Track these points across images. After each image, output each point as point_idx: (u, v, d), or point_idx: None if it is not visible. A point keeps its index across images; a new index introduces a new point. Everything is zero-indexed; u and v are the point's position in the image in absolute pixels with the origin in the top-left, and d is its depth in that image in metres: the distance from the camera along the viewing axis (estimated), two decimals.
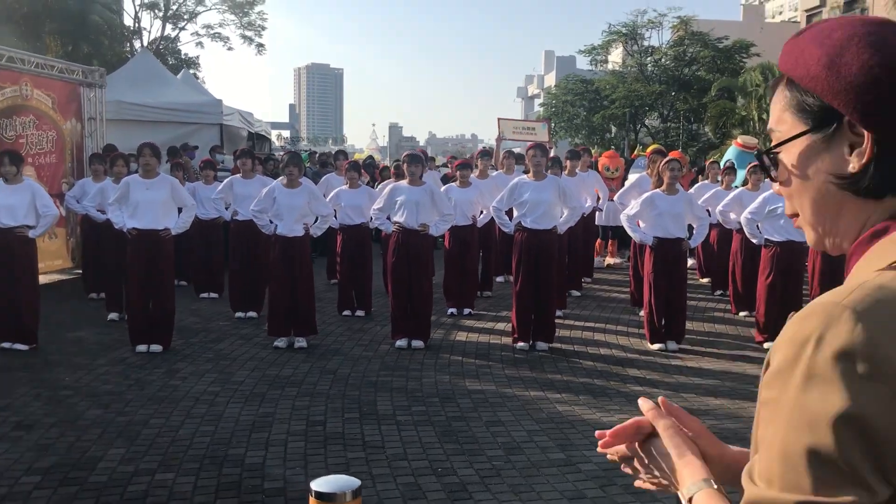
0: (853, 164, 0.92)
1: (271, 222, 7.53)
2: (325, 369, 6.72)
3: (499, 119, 16.24)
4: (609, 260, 13.60)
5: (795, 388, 0.82)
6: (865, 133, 0.91)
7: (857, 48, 0.91)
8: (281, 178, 7.95)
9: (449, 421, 5.42)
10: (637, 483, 1.22)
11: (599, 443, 1.22)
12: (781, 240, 7.59)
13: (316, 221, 7.82)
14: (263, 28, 36.34)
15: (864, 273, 0.90)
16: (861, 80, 0.90)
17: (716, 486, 1.05)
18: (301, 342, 7.44)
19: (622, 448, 1.21)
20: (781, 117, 0.99)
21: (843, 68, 0.91)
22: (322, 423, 5.34)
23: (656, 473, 1.16)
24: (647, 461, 1.17)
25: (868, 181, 0.92)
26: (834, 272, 9.41)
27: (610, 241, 13.93)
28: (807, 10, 68.70)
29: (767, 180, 10.08)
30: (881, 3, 39.12)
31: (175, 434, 5.10)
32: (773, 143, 1.00)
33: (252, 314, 8.86)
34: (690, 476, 1.08)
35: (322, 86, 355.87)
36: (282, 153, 19.22)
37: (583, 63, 51.91)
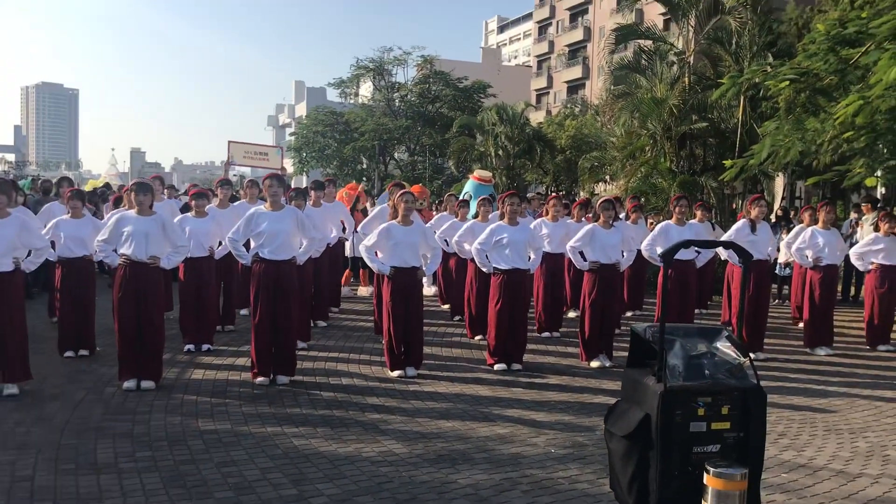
0: None
1: None
2: (40, 417, 6.09)
3: (229, 142, 15.92)
4: (362, 290, 13.74)
5: None
6: None
7: None
8: None
9: (177, 465, 5.12)
10: None
11: None
12: (508, 268, 8.12)
13: (29, 255, 7.11)
14: None
15: None
16: None
17: None
18: (11, 389, 6.69)
19: None
20: None
21: None
22: (30, 478, 4.81)
23: None
24: None
25: None
26: (556, 297, 10.27)
27: (361, 271, 14.10)
28: (537, 56, 75.17)
29: (496, 212, 10.73)
30: (597, 53, 43.69)
31: None
32: None
33: None
34: None
35: (54, 106, 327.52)
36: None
37: (333, 95, 52.63)
